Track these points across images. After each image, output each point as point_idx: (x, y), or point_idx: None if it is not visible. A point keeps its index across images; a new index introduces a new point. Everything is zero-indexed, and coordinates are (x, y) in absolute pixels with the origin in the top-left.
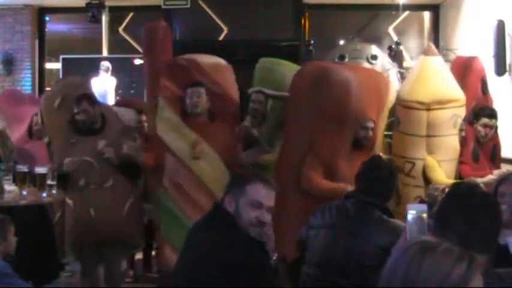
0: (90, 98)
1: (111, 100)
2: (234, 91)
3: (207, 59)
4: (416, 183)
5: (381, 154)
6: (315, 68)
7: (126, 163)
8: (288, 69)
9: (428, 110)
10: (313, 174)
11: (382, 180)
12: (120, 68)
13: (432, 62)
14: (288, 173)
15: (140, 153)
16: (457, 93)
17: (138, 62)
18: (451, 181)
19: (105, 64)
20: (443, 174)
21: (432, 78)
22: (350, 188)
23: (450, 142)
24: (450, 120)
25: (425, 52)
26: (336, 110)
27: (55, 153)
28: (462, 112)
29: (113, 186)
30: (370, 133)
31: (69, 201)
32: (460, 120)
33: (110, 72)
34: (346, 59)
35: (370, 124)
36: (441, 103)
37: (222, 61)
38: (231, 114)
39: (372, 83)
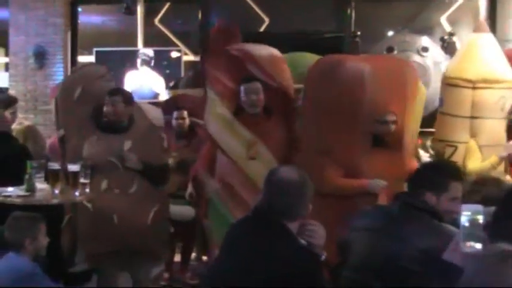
0: (126, 94)
1: (163, 98)
2: (290, 85)
3: (261, 50)
4: None
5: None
6: (329, 59)
7: (151, 169)
8: (311, 60)
9: (473, 88)
10: (327, 172)
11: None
12: (156, 62)
13: (482, 38)
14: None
15: (164, 157)
16: (507, 74)
17: (175, 54)
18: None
19: (146, 53)
20: (478, 162)
21: (480, 55)
22: (372, 184)
23: (495, 126)
24: (497, 102)
25: (476, 29)
26: (348, 104)
27: (71, 149)
28: (511, 95)
29: (137, 192)
30: (392, 127)
31: (87, 203)
32: (508, 104)
33: (152, 63)
34: (395, 52)
35: (391, 117)
36: (488, 82)
37: (276, 52)
38: (287, 111)
39: (393, 72)
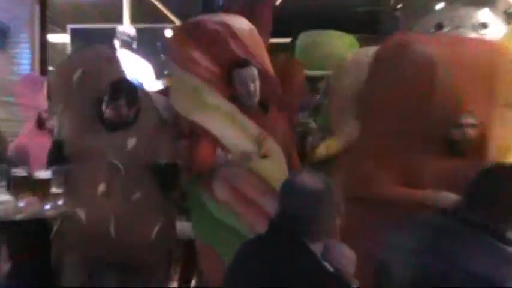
0: (130, 95)
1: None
2: (270, 69)
3: (241, 23)
4: None
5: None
6: (394, 42)
7: (164, 171)
8: (338, 40)
9: None
10: (382, 177)
11: (499, 196)
12: (147, 42)
13: None
14: (359, 177)
15: (174, 156)
16: None
17: (170, 33)
18: None
19: (126, 32)
20: None
21: None
22: (438, 198)
23: None
24: None
25: None
26: (412, 100)
27: (67, 146)
28: None
29: (141, 200)
30: (470, 132)
31: (79, 212)
32: None
33: (135, 45)
34: (445, 29)
35: (469, 120)
36: None
37: (251, 25)
38: (278, 101)
39: (475, 60)
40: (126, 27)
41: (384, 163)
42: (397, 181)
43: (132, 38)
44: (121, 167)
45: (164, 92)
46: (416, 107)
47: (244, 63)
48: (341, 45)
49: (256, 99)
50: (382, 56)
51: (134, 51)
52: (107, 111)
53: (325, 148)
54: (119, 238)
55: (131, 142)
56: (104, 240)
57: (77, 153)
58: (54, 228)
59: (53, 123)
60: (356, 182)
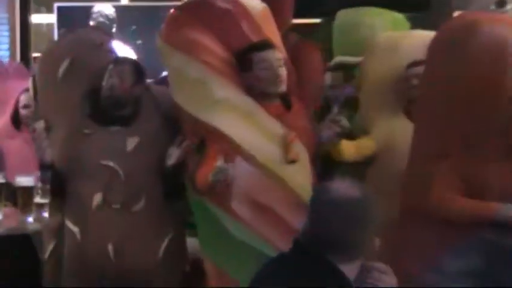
0: (137, 65)
1: None
2: (285, 54)
3: (252, 1)
4: None
5: None
6: (458, 22)
7: (173, 176)
8: (378, 19)
9: None
10: (447, 187)
11: None
12: (145, 23)
13: None
14: (414, 186)
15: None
16: None
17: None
18: None
19: (103, 11)
20: None
21: None
22: (504, 211)
23: None
24: None
25: None
26: (481, 89)
27: (58, 148)
28: None
29: (146, 210)
30: None
31: (73, 227)
32: None
33: (114, 28)
34: (508, 6)
35: None
36: None
37: (263, 4)
38: (302, 91)
39: None
40: (104, 7)
41: (446, 169)
42: (460, 187)
43: (111, 21)
44: (120, 172)
45: (162, 82)
46: (484, 97)
47: (266, 45)
48: (383, 25)
49: (284, 87)
50: (444, 39)
51: (113, 36)
52: (106, 82)
53: (354, 148)
54: (118, 259)
55: (132, 142)
56: (101, 261)
57: (68, 162)
58: (50, 248)
59: (36, 126)
60: (412, 191)
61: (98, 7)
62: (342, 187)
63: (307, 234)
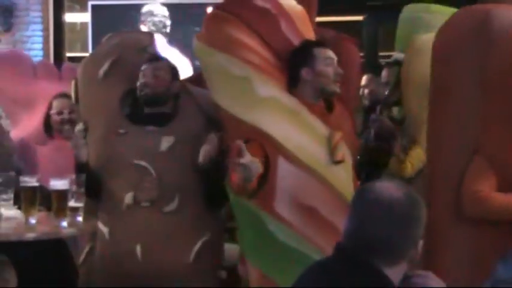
0: (172, 64)
1: None
2: None
3: (290, 1)
4: None
5: None
6: (473, 13)
7: (209, 176)
8: (442, 14)
9: None
10: (483, 187)
11: None
12: (181, 23)
13: None
14: (444, 189)
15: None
16: None
17: None
18: None
19: (156, 11)
20: None
21: None
22: None
23: None
24: None
25: None
26: (509, 80)
27: (94, 149)
28: None
29: (180, 211)
30: None
31: (103, 228)
32: None
33: (167, 29)
34: None
35: None
36: None
37: (299, 5)
38: (346, 93)
39: None
40: (156, 6)
41: (483, 171)
42: (493, 188)
43: (163, 22)
44: (152, 171)
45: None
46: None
47: (324, 42)
48: (439, 22)
49: (339, 88)
50: (459, 32)
51: (167, 39)
52: (142, 80)
53: (410, 166)
54: (146, 260)
55: (167, 142)
56: (129, 263)
57: (103, 161)
58: (85, 251)
59: (75, 129)
60: (444, 187)
61: (150, 6)
62: (385, 187)
63: (349, 236)
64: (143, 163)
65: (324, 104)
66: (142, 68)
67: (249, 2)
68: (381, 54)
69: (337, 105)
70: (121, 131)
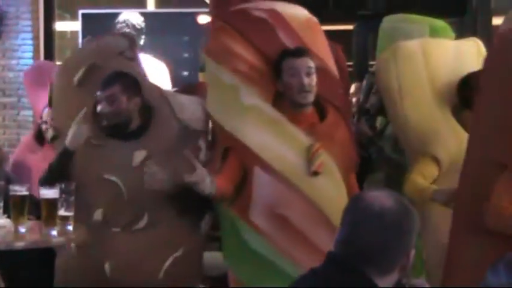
0: (126, 81)
1: None
2: (333, 64)
3: (294, 10)
4: None
5: None
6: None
7: (188, 195)
8: (420, 24)
9: None
10: (508, 199)
11: None
12: (174, 31)
13: None
14: (467, 201)
15: (208, 179)
16: None
17: (204, 20)
18: None
19: (130, 21)
20: None
21: None
22: None
23: None
24: None
25: None
26: None
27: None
28: None
29: (149, 228)
30: None
31: (73, 243)
32: None
33: (142, 40)
34: None
35: None
36: None
37: (309, 14)
38: (342, 102)
39: None
40: (131, 15)
41: (507, 179)
42: None
43: (138, 31)
44: (123, 188)
45: (190, 90)
46: None
47: (297, 52)
48: (420, 32)
49: (311, 97)
50: (497, 44)
51: (141, 48)
52: (101, 105)
53: (413, 184)
54: (114, 279)
55: (139, 156)
56: (97, 280)
57: (75, 172)
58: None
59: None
60: (467, 202)
61: (123, 16)
62: (377, 196)
63: (341, 245)
64: (114, 178)
65: (317, 112)
66: (97, 95)
67: (244, 13)
68: (371, 63)
69: (332, 114)
70: (94, 142)
